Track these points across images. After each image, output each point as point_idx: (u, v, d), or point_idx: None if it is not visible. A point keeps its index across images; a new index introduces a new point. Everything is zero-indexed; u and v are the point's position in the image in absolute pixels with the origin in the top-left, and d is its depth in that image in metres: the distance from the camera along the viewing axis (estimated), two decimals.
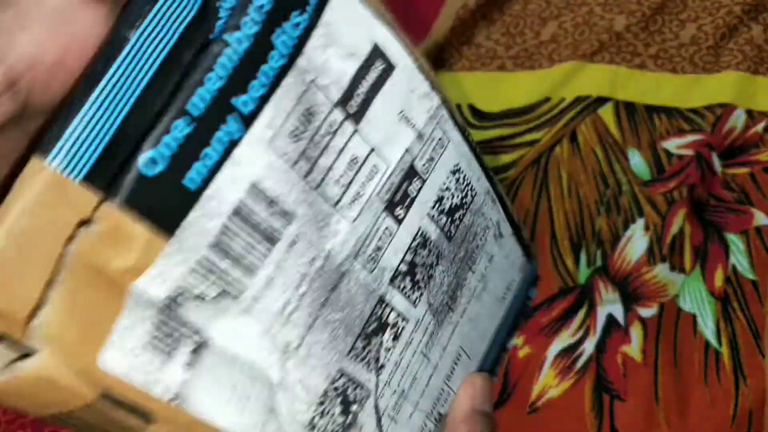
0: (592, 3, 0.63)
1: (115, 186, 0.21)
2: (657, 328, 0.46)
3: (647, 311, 0.46)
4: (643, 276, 0.48)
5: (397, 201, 0.29)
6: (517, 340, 0.47)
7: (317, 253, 0.26)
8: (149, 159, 0.21)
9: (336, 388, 0.27)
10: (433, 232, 0.31)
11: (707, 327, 0.45)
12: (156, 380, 0.22)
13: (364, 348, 0.28)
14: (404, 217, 0.29)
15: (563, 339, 0.47)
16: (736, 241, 0.47)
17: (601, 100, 0.57)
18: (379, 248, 0.28)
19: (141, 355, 0.22)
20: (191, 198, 0.22)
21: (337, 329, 0.27)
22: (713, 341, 0.45)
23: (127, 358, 0.21)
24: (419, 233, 0.30)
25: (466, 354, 0.35)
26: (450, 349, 0.33)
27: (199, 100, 0.22)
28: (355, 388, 0.28)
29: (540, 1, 0.65)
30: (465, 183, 0.32)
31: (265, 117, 0.24)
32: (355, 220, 0.27)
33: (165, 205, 0.22)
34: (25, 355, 0.20)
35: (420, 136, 0.30)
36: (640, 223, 0.50)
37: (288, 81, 0.24)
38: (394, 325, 0.30)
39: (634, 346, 0.45)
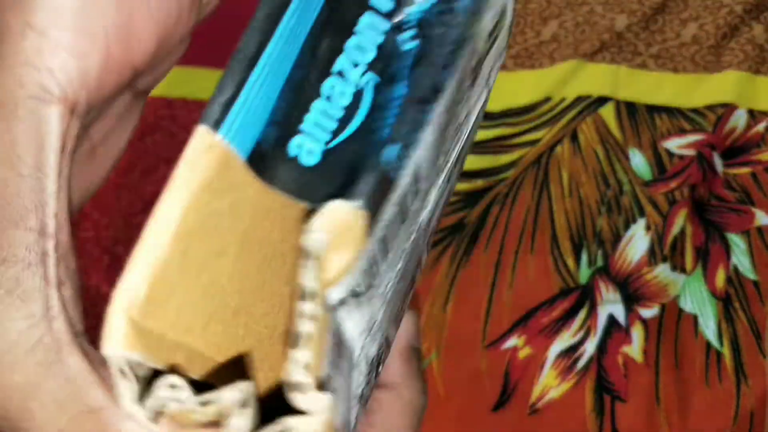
0: (593, 2, 0.63)
1: (351, 180, 0.18)
2: (658, 328, 0.46)
3: (648, 312, 0.46)
4: (644, 276, 0.48)
5: (458, 161, 0.27)
6: (518, 341, 0.47)
7: (415, 226, 0.24)
8: (392, 148, 0.18)
9: (379, 355, 0.25)
10: (452, 182, 0.29)
11: (708, 328, 0.45)
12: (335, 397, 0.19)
13: (401, 309, 0.27)
14: (452, 175, 0.27)
15: (564, 339, 0.47)
16: (737, 241, 0.47)
17: (602, 100, 0.57)
18: (434, 211, 0.26)
19: (330, 375, 0.19)
20: (388, 188, 0.19)
21: (397, 297, 0.25)
22: (714, 342, 0.44)
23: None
24: (447, 186, 0.29)
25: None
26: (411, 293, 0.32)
27: (412, 83, 0.19)
28: (386, 350, 0.27)
29: (541, 0, 0.65)
30: (474, 128, 0.31)
31: (444, 92, 0.21)
32: (439, 187, 0.25)
33: (378, 199, 0.19)
34: (279, 411, 0.17)
35: (489, 92, 0.28)
36: (641, 223, 0.50)
37: (466, 49, 0.22)
38: (417, 279, 0.28)
39: (635, 347, 0.45)
